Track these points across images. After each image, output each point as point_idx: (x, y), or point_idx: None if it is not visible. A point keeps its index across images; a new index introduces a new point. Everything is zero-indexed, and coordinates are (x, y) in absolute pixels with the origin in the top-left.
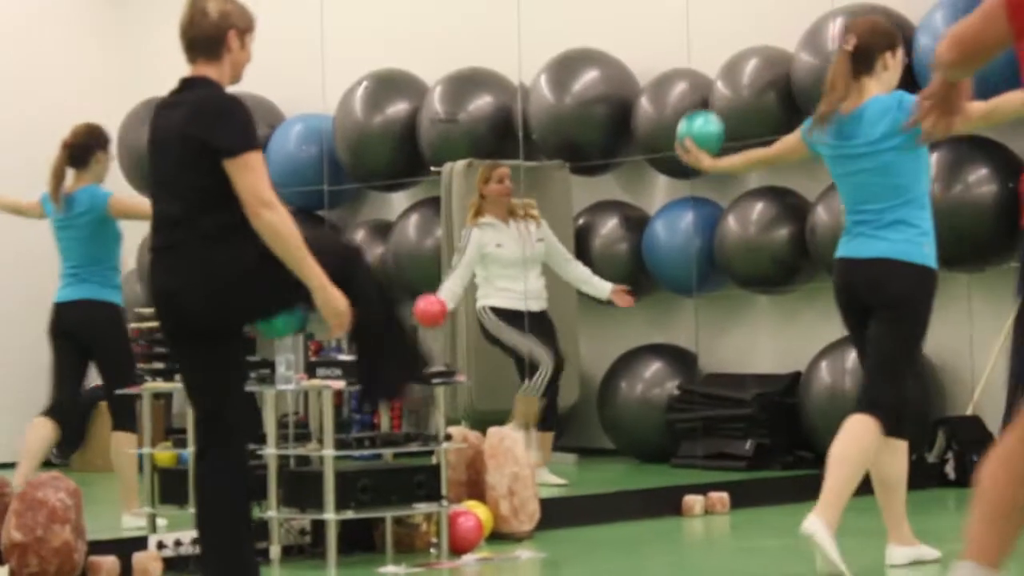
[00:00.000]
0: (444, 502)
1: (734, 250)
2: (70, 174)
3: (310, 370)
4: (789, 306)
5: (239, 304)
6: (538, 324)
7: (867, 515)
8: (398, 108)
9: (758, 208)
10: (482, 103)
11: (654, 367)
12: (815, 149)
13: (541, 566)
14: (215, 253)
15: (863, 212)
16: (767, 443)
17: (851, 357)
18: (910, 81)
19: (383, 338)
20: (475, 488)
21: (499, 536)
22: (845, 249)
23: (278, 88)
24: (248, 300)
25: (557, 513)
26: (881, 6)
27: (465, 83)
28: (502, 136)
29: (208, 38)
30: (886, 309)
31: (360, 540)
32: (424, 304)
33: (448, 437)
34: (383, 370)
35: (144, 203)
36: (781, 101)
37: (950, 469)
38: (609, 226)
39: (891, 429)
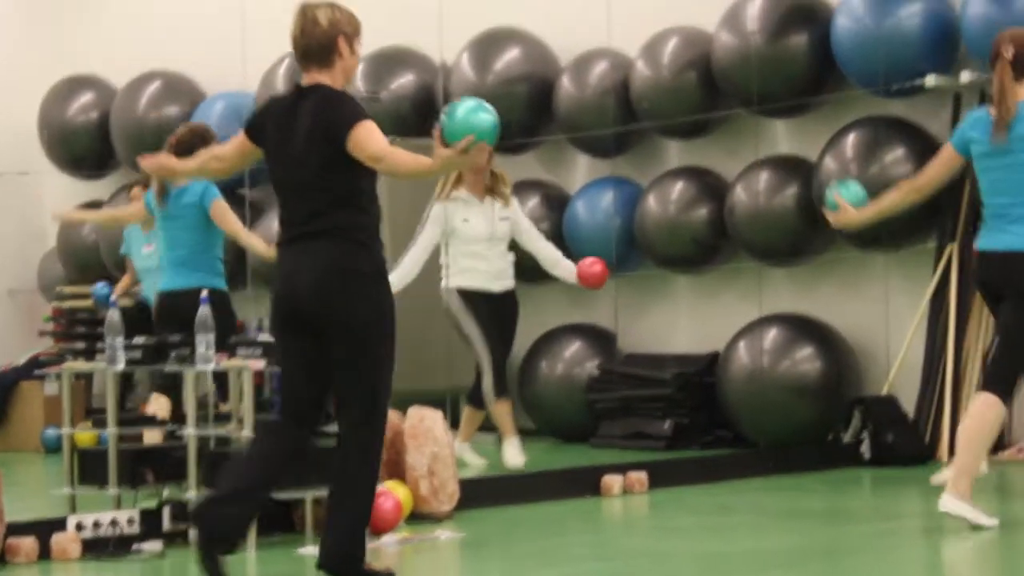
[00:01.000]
0: None
1: (654, 230)
2: None
3: (231, 350)
4: (708, 286)
5: (352, 301)
6: (499, 307)
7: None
8: None
9: (678, 188)
10: (404, 81)
11: (574, 347)
12: (968, 153)
13: (460, 546)
14: (345, 247)
15: (993, 206)
16: (686, 423)
17: (769, 336)
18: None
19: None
20: (395, 468)
21: (419, 516)
22: (980, 242)
23: (199, 66)
24: (355, 299)
25: (477, 493)
26: None
27: (388, 61)
28: (424, 114)
29: (320, 46)
30: (1013, 297)
31: (280, 521)
32: (586, 267)
33: None
34: (332, 533)
35: (236, 222)
36: (701, 81)
37: (865, 448)
38: (530, 205)
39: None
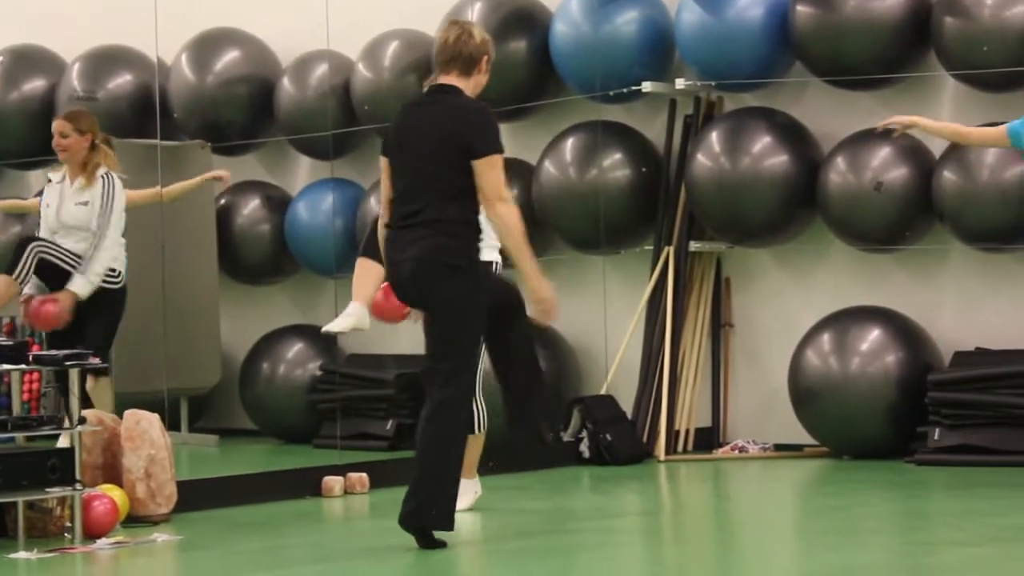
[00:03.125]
0: (78, 486)
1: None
2: None
3: None
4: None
5: (449, 283)
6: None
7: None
8: (35, 85)
9: None
10: (122, 81)
11: (296, 348)
12: (1020, 145)
13: (178, 549)
14: (451, 237)
15: None
16: (408, 423)
17: None
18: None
19: (533, 381)
20: (112, 471)
21: (136, 519)
22: None
23: None
24: (452, 285)
25: (196, 495)
26: None
27: (104, 60)
28: (142, 114)
29: (470, 57)
30: None
31: None
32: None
33: (83, 420)
34: (529, 409)
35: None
36: (422, 84)
37: (584, 447)
38: (251, 207)
39: None
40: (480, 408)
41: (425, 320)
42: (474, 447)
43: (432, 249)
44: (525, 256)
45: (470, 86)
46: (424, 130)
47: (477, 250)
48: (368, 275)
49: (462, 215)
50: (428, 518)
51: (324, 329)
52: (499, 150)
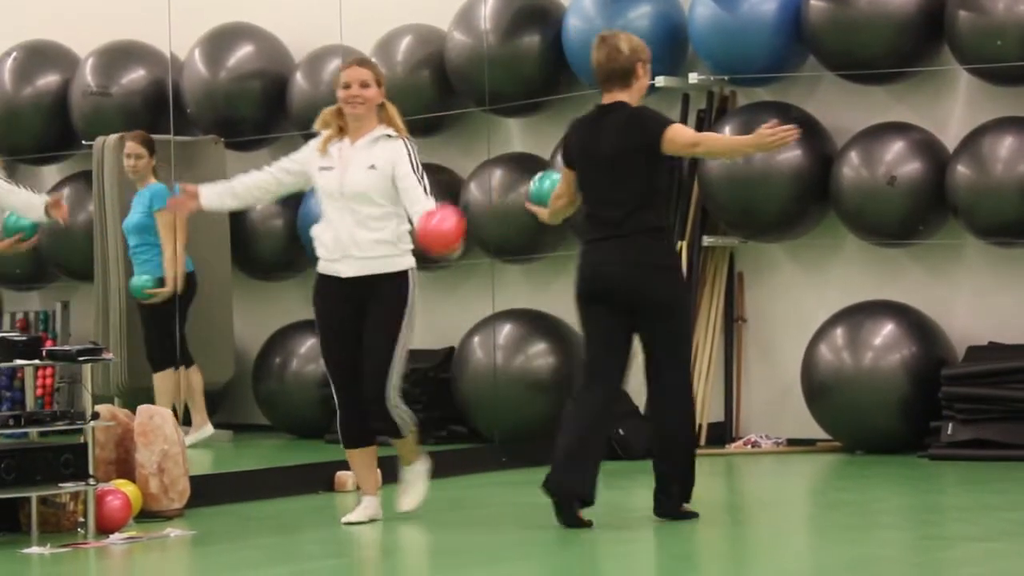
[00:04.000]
0: (92, 481)
1: None
2: None
3: None
4: (442, 282)
5: (656, 285)
6: None
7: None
8: (48, 80)
9: None
10: (135, 76)
11: (308, 343)
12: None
13: (190, 544)
14: (653, 240)
15: None
16: (421, 418)
17: (503, 332)
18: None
19: (686, 452)
20: (125, 466)
21: (149, 515)
22: None
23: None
24: (661, 285)
25: (209, 490)
26: None
27: (118, 55)
28: (156, 110)
29: (623, 70)
30: None
31: (4, 520)
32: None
33: (96, 415)
34: (677, 484)
35: None
36: (434, 79)
37: None
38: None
39: None
40: (405, 411)
41: (591, 316)
42: (399, 449)
43: (640, 252)
44: (735, 145)
45: (633, 95)
46: (601, 146)
47: (676, 250)
48: (370, 465)
49: (657, 220)
50: (688, 496)
51: (344, 520)
52: (671, 121)
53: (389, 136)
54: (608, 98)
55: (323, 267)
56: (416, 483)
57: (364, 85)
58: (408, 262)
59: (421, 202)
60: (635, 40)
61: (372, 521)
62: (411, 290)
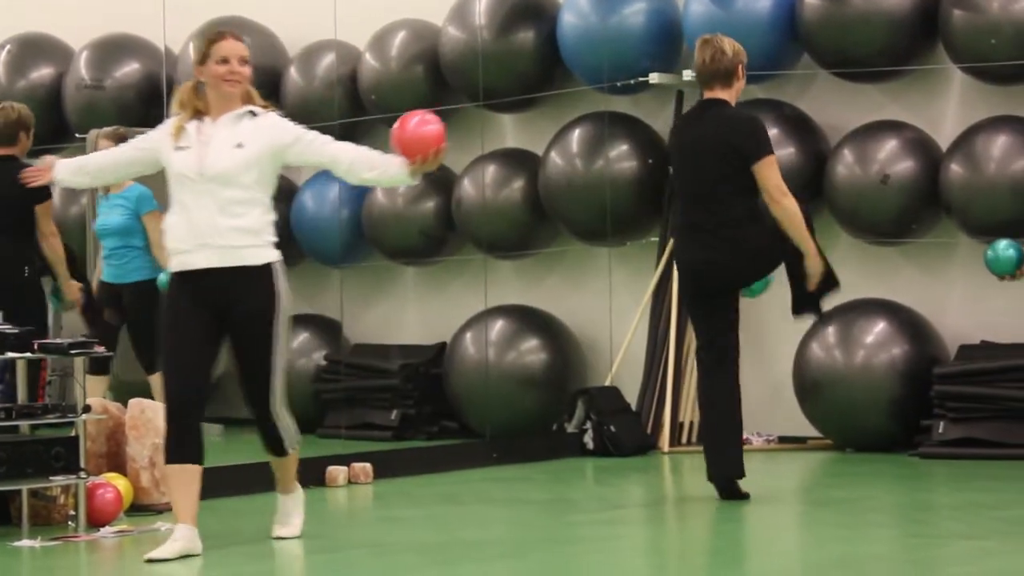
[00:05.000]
0: (83, 474)
1: (381, 221)
2: None
3: None
4: (435, 278)
5: (751, 270)
6: None
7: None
8: (42, 73)
9: None
10: (129, 70)
11: (300, 337)
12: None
13: None
14: (741, 233)
15: None
16: (412, 413)
17: (496, 328)
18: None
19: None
20: (116, 460)
21: (141, 508)
22: None
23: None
24: (756, 268)
25: (202, 485)
26: None
27: (112, 48)
28: (149, 103)
29: (726, 71)
30: None
31: None
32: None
33: (87, 408)
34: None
35: None
36: (428, 74)
37: (588, 439)
38: None
39: None
40: (291, 424)
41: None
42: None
43: (738, 242)
44: (808, 240)
45: (732, 94)
46: (701, 142)
47: (765, 239)
48: (190, 487)
49: (748, 213)
50: (741, 468)
51: (146, 557)
52: (771, 151)
53: (254, 113)
54: (708, 94)
55: (176, 263)
56: (294, 515)
57: (244, 61)
58: (273, 255)
59: (339, 142)
60: (736, 44)
61: (185, 557)
62: (279, 285)
